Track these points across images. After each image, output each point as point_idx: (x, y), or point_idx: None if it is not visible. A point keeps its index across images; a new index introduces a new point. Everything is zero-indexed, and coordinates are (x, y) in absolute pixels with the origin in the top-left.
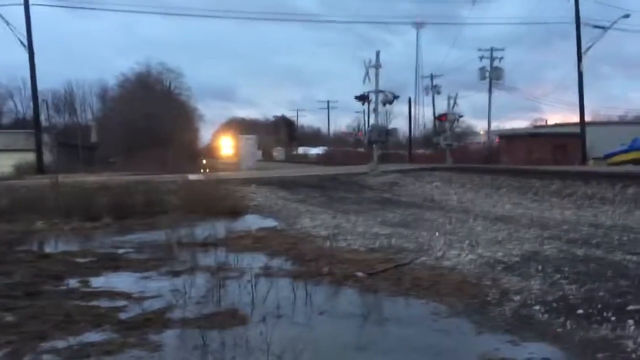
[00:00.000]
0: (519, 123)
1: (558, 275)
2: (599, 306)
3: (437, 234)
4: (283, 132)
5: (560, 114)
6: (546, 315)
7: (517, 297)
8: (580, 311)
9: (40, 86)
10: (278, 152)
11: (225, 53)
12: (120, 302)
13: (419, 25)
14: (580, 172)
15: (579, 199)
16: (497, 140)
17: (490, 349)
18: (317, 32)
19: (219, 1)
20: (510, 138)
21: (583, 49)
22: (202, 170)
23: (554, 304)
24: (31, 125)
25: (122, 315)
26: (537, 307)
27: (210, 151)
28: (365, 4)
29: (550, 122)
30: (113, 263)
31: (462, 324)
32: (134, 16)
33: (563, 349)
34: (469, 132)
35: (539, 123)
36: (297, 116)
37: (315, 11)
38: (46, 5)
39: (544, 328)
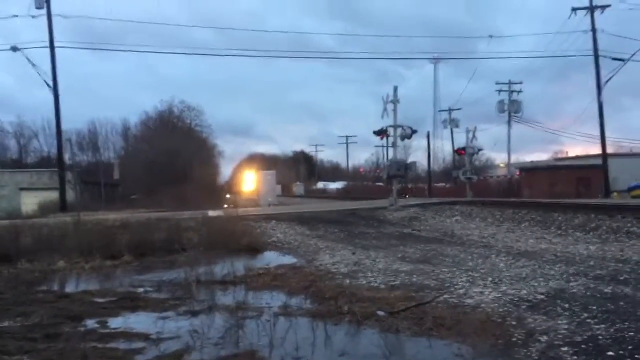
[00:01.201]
0: (539, 156)
1: (586, 314)
2: (630, 347)
3: (458, 271)
4: (302, 167)
5: (580, 146)
6: (575, 357)
7: (543, 338)
8: (610, 353)
9: (64, 125)
10: (297, 187)
11: (244, 90)
12: (138, 344)
13: (436, 61)
14: (604, 205)
15: (604, 233)
16: (517, 173)
17: None
18: (335, 69)
19: (237, 39)
20: (531, 171)
21: (602, 80)
22: (226, 206)
23: (583, 345)
24: (55, 164)
25: (140, 358)
26: (565, 349)
27: (231, 187)
28: (382, 40)
29: (570, 154)
30: (132, 303)
31: None
32: (155, 56)
33: None
34: (488, 165)
35: (559, 155)
36: (316, 151)
37: (332, 48)
38: (71, 47)
39: None
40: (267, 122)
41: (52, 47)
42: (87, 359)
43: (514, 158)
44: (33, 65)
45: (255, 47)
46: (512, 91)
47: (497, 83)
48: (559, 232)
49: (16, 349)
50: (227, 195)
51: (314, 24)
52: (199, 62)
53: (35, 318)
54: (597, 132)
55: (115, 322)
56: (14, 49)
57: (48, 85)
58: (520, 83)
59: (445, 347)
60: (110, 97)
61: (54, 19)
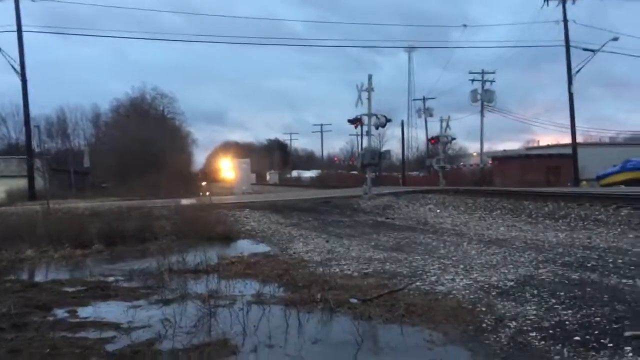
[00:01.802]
0: (511, 144)
1: (554, 300)
2: (596, 332)
3: (431, 258)
4: (276, 155)
5: (552, 136)
6: (543, 342)
7: (512, 324)
8: (577, 337)
9: (33, 112)
10: (272, 176)
11: (216, 77)
12: (109, 333)
13: (410, 50)
14: (573, 194)
15: (573, 221)
16: (490, 162)
17: None
18: (308, 56)
19: (210, 26)
20: (503, 160)
21: (573, 71)
22: (202, 194)
23: (551, 331)
24: (24, 151)
25: (110, 347)
26: (533, 334)
27: (205, 175)
28: (355, 27)
29: (542, 144)
30: (102, 292)
31: (458, 352)
32: (125, 41)
33: None
34: (462, 154)
35: (531, 144)
36: (290, 139)
37: (305, 35)
38: (39, 32)
39: (540, 355)
40: (241, 109)
41: (19, 31)
42: (56, 348)
43: (487, 147)
44: (0, 49)
45: (226, 34)
46: (485, 81)
47: (470, 72)
48: (530, 220)
49: None
50: (203, 183)
51: (286, 11)
52: (170, 48)
53: (2, 308)
54: (568, 122)
55: (86, 312)
56: None
57: (16, 70)
58: (493, 73)
59: (417, 334)
60: (80, 83)
61: (22, 3)
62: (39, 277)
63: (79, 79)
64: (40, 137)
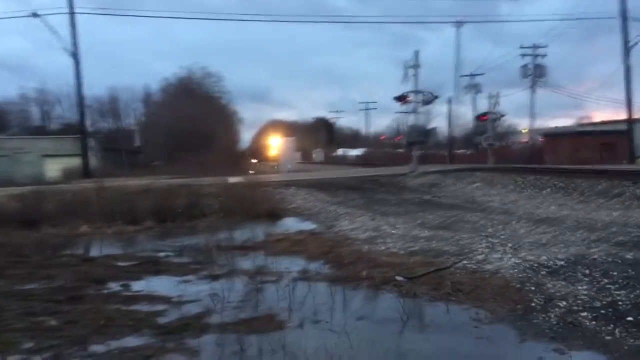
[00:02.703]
0: (564, 121)
1: (606, 280)
2: None
3: (478, 237)
4: (322, 133)
5: (606, 112)
6: (594, 322)
7: (562, 303)
8: (629, 318)
9: (86, 92)
10: (317, 154)
11: (261, 55)
12: (160, 307)
13: (458, 24)
14: (628, 171)
15: (628, 200)
16: (541, 139)
17: (535, 357)
18: (352, 32)
19: (254, 3)
20: (555, 137)
21: (630, 44)
22: (252, 172)
23: (602, 311)
24: (78, 130)
25: (161, 320)
26: (584, 314)
27: (252, 153)
28: (400, 2)
29: (596, 120)
30: (154, 267)
31: (505, 331)
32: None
33: (612, 358)
34: (511, 132)
35: (584, 121)
36: (336, 117)
37: (349, 11)
38: (89, 13)
39: (591, 336)
40: (286, 87)
41: (71, 13)
42: (111, 320)
43: (538, 124)
44: (54, 31)
45: (271, 12)
46: (537, 55)
47: (521, 47)
48: (582, 198)
49: (42, 310)
50: (254, 161)
51: None
52: (216, 28)
53: (60, 281)
54: (623, 97)
55: (138, 285)
56: (35, 14)
57: (69, 52)
58: (545, 47)
59: (463, 312)
60: (131, 63)
61: None
62: (93, 252)
63: (129, 59)
64: (92, 117)
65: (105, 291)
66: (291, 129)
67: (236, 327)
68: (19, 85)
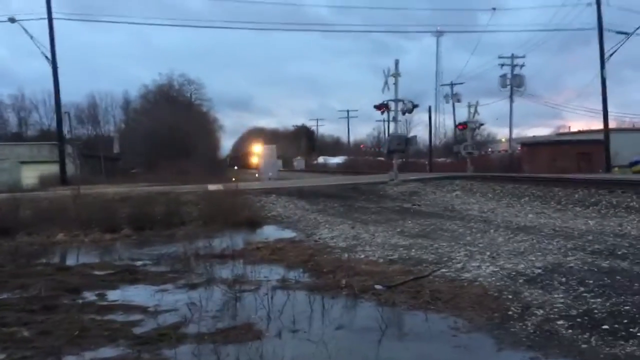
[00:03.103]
0: (542, 130)
1: (582, 289)
2: (625, 321)
3: (457, 245)
4: (303, 141)
5: (583, 121)
6: (570, 331)
7: (539, 312)
8: (605, 326)
9: (63, 98)
10: (298, 162)
11: (241, 62)
12: (136, 316)
13: (438, 34)
14: (605, 181)
15: (604, 208)
16: (519, 148)
17: None
18: (332, 40)
19: (234, 11)
20: (533, 146)
21: (606, 54)
22: (231, 179)
23: (579, 319)
24: (55, 137)
25: (137, 330)
26: (560, 322)
27: (233, 161)
28: (380, 11)
29: (573, 129)
30: (130, 276)
31: (483, 340)
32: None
33: None
34: (490, 140)
35: (561, 130)
36: (317, 125)
37: (329, 19)
38: (67, 19)
39: (568, 344)
40: (266, 95)
41: (50, 18)
42: (85, 330)
43: (516, 133)
44: (31, 37)
45: (250, 19)
46: (515, 65)
47: (499, 57)
48: (559, 207)
49: (15, 320)
50: (234, 168)
51: None
52: (196, 35)
53: (34, 290)
54: (600, 107)
55: (114, 295)
56: (12, 20)
57: (47, 57)
58: (523, 57)
59: (442, 321)
60: (108, 69)
61: None
62: (69, 261)
63: (108, 65)
64: (71, 124)
65: (81, 301)
66: (272, 136)
67: (213, 337)
68: None
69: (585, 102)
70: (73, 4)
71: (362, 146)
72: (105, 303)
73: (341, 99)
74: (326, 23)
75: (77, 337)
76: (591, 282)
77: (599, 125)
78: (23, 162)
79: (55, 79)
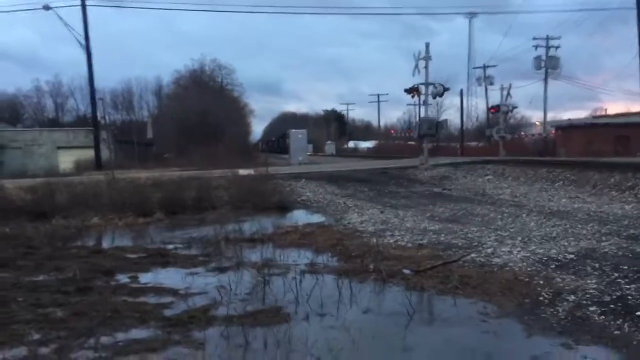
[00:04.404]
0: (577, 113)
1: (616, 274)
2: None
3: (487, 230)
4: (333, 126)
5: (621, 104)
6: (602, 317)
7: (571, 297)
8: (639, 313)
9: (98, 84)
10: (328, 146)
11: (270, 47)
12: (167, 299)
13: (471, 15)
14: None
15: None
16: (553, 131)
17: (542, 352)
18: (360, 23)
19: None
20: (567, 129)
21: None
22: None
23: (612, 305)
24: (91, 122)
25: (168, 312)
26: (592, 308)
27: (264, 145)
28: None
29: (610, 112)
30: (162, 259)
31: (512, 325)
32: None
33: (620, 353)
34: (523, 124)
35: (598, 113)
36: (347, 110)
37: (358, 2)
38: (99, 5)
39: (599, 330)
40: (295, 80)
41: (83, 5)
42: (118, 312)
43: (551, 116)
44: (65, 24)
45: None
46: (550, 47)
47: (534, 38)
48: (594, 191)
49: (50, 301)
50: (266, 152)
51: None
52: (224, 20)
53: (69, 272)
54: (639, 89)
55: (146, 277)
56: (47, 7)
57: (80, 44)
58: (559, 38)
59: (471, 306)
60: (140, 56)
61: None
62: (103, 244)
63: (140, 52)
64: (105, 109)
65: (114, 283)
66: (302, 121)
67: (242, 319)
68: (32, 78)
69: (624, 84)
70: None
71: (392, 131)
72: (137, 285)
73: (371, 83)
74: (355, 6)
75: (109, 318)
76: (626, 267)
77: (637, 107)
78: (60, 147)
79: (89, 65)
